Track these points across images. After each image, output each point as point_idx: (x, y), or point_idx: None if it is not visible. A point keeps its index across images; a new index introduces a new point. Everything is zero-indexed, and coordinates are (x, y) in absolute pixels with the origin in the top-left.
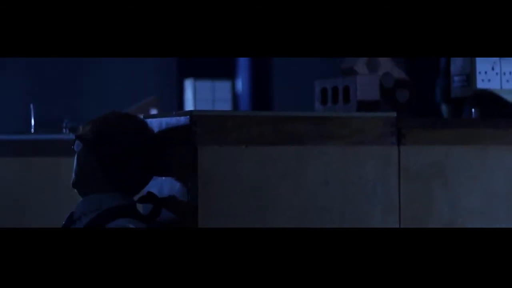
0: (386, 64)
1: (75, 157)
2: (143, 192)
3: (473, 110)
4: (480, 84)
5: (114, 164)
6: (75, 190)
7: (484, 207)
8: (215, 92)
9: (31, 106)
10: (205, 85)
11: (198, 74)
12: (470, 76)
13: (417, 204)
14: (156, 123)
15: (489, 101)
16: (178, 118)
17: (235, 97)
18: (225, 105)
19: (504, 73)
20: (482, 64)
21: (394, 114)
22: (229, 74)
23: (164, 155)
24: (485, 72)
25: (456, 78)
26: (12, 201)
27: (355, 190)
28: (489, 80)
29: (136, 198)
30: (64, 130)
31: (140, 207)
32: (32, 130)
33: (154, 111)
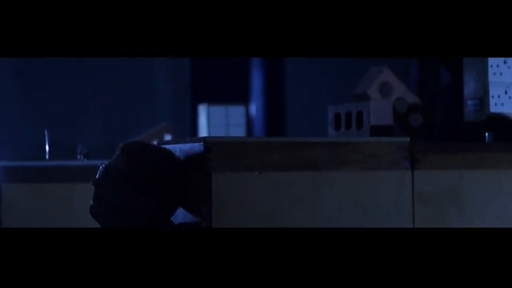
0: (399, 89)
1: (99, 186)
2: None
3: (486, 134)
4: (494, 108)
5: (148, 195)
6: (92, 217)
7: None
8: (229, 117)
9: (46, 132)
10: (219, 110)
11: (212, 99)
12: (483, 100)
13: None
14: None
15: (503, 125)
16: (192, 144)
17: (248, 122)
18: (239, 130)
19: None
20: (495, 88)
21: (408, 139)
22: (243, 99)
23: (186, 184)
24: (498, 96)
25: (469, 102)
26: (26, 226)
27: (369, 215)
28: (502, 104)
29: None
30: (78, 156)
31: None
32: (47, 156)
33: (168, 137)
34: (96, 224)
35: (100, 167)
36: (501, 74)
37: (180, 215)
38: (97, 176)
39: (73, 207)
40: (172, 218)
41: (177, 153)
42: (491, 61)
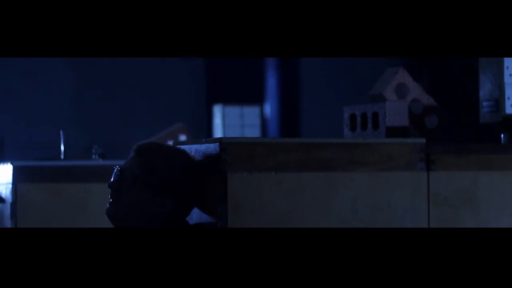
0: (414, 90)
1: (115, 188)
2: None
3: (502, 135)
4: (509, 110)
5: (164, 196)
6: (107, 218)
7: None
8: (244, 117)
9: (61, 132)
10: (234, 110)
11: (227, 99)
12: (499, 101)
13: None
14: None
15: None
16: (207, 145)
17: (263, 122)
18: (254, 131)
19: None
20: (511, 90)
21: (423, 140)
22: (258, 99)
23: (201, 184)
24: None
25: (485, 104)
26: (41, 226)
27: (384, 217)
28: None
29: None
30: (93, 156)
31: None
32: (62, 156)
33: (183, 138)
34: (111, 225)
35: (115, 170)
36: None
37: (196, 215)
38: (112, 179)
39: (88, 207)
40: (187, 218)
41: (193, 154)
42: (507, 62)
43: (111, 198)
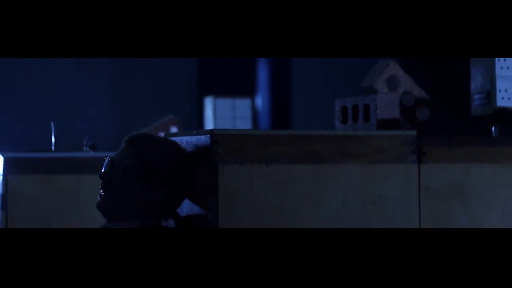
0: (406, 83)
1: (106, 179)
2: None
3: (493, 128)
4: (501, 102)
5: (154, 187)
6: (98, 210)
7: (504, 226)
8: (235, 109)
9: (52, 124)
10: (225, 102)
11: (218, 91)
12: (490, 94)
13: (438, 223)
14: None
15: (510, 119)
16: (198, 137)
17: (255, 115)
18: (245, 123)
19: None
20: (502, 82)
21: (415, 132)
22: (249, 91)
23: (192, 176)
24: (505, 90)
25: (476, 97)
26: (33, 218)
27: (375, 209)
28: (509, 98)
29: None
30: (84, 148)
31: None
32: (53, 148)
33: (174, 129)
34: (102, 216)
35: (106, 160)
36: (508, 68)
37: (186, 207)
38: (103, 169)
39: (80, 198)
40: (178, 210)
41: (184, 146)
42: None
43: (102, 189)
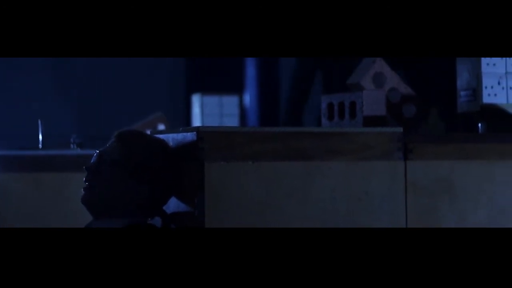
0: (392, 79)
1: (93, 171)
2: None
3: (479, 125)
4: (487, 99)
5: (141, 182)
6: (84, 206)
7: (491, 222)
8: (223, 107)
9: (39, 122)
10: (213, 100)
11: (206, 89)
12: (476, 91)
13: (424, 219)
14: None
15: (496, 115)
16: (185, 134)
17: (242, 112)
18: (232, 120)
19: (511, 88)
20: (489, 79)
21: (401, 129)
22: (237, 88)
23: (179, 173)
24: (492, 87)
25: (462, 93)
26: (20, 216)
27: (362, 205)
28: (495, 95)
29: None
30: (72, 145)
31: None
32: (40, 145)
33: (161, 127)
34: (88, 214)
35: (95, 153)
36: (494, 65)
37: (173, 205)
38: (91, 162)
39: (67, 196)
40: (164, 208)
41: (170, 143)
42: None
43: (87, 181)
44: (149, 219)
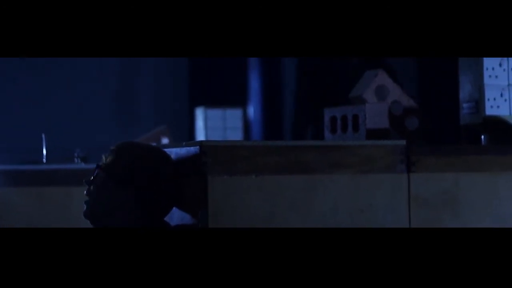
0: (394, 92)
1: (91, 188)
2: None
3: (482, 137)
4: (489, 111)
5: (144, 197)
6: (87, 220)
7: None
8: (226, 120)
9: (43, 136)
10: (216, 113)
11: (209, 102)
12: (479, 103)
13: None
14: None
15: (498, 128)
16: (188, 148)
17: (246, 125)
18: (236, 133)
19: None
20: (491, 91)
21: (404, 142)
22: (240, 102)
23: (181, 185)
24: (494, 99)
25: (465, 105)
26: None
27: (365, 218)
28: (498, 107)
29: None
30: (75, 160)
31: None
32: (44, 160)
33: (165, 140)
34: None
35: (95, 167)
36: (496, 77)
37: (177, 217)
38: (91, 176)
39: (71, 210)
40: (168, 220)
41: (173, 157)
42: (487, 63)
43: (87, 195)
44: None
